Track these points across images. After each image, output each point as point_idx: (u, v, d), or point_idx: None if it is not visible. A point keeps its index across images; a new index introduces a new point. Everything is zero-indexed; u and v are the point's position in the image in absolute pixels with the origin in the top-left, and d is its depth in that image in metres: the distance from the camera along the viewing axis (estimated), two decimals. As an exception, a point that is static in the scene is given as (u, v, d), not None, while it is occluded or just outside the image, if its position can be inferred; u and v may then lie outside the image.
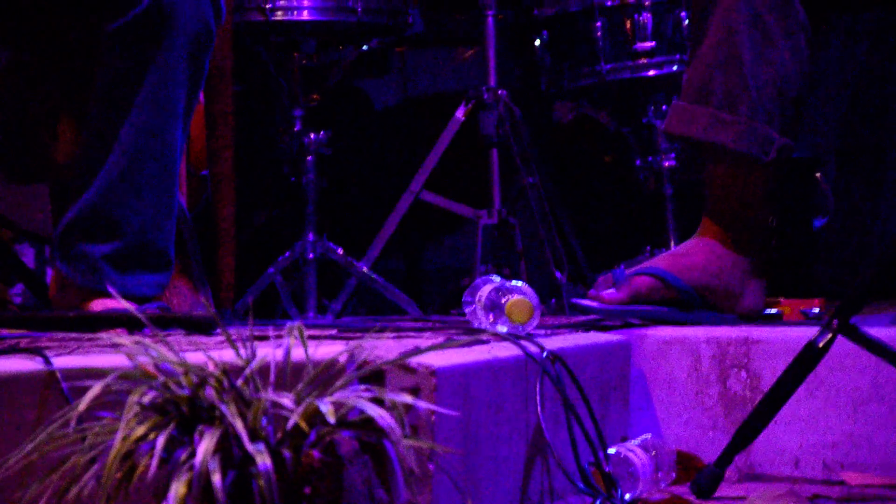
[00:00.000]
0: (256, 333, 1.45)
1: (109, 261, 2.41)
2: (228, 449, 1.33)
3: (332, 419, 1.35)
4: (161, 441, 1.33)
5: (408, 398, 1.41)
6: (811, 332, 1.95)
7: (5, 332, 2.14)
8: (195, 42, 2.43)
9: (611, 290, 2.42)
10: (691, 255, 2.48)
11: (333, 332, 2.07)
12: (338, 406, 1.37)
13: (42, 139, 2.61)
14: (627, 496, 1.88)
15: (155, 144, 2.42)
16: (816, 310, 2.69)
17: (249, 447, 1.32)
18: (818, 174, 2.97)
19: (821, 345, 1.93)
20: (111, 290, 2.25)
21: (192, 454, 1.32)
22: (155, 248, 2.44)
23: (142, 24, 2.39)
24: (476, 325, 2.02)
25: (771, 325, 2.37)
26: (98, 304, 2.42)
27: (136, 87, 2.40)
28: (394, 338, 1.88)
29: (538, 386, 1.84)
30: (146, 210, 2.42)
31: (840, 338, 1.93)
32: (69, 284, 2.44)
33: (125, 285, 2.41)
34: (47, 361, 1.62)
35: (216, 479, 1.30)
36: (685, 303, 2.43)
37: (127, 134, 2.40)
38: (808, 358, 1.93)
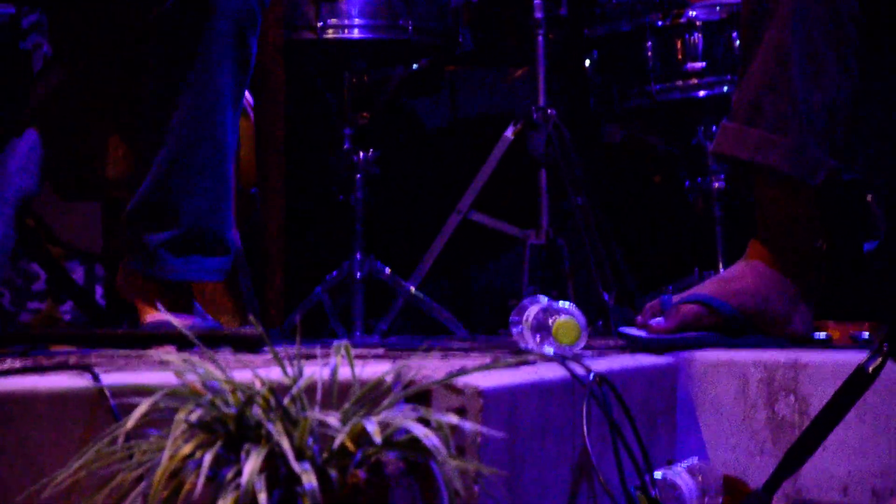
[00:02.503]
0: (304, 352, 1.45)
1: (168, 247, 2.42)
2: (275, 468, 1.33)
3: (378, 439, 1.35)
4: (208, 459, 1.33)
5: (454, 419, 1.41)
6: (861, 356, 1.93)
7: (55, 348, 2.15)
8: (239, 23, 2.44)
9: (658, 319, 2.41)
10: (739, 280, 2.47)
11: (380, 351, 2.07)
12: (384, 426, 1.37)
13: (93, 156, 2.63)
14: (673, 520, 1.87)
15: (206, 128, 2.42)
16: (866, 334, 2.66)
17: (295, 466, 1.32)
18: (869, 196, 2.95)
19: (871, 369, 1.91)
20: (160, 308, 2.27)
21: (239, 472, 1.32)
22: (213, 233, 2.45)
23: (184, 7, 2.40)
24: (523, 345, 2.02)
25: (820, 349, 2.35)
26: (150, 318, 2.43)
27: (183, 72, 2.41)
28: (440, 358, 1.88)
29: (584, 408, 1.83)
30: (201, 195, 2.43)
31: (890, 363, 1.92)
32: (133, 276, 2.45)
33: (185, 271, 2.43)
34: (96, 378, 1.63)
35: (262, 497, 1.30)
36: (733, 328, 2.42)
37: (178, 119, 2.41)
38: (858, 383, 1.92)
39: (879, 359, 1.91)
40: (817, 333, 2.52)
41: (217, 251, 2.46)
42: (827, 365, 2.15)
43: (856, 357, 1.95)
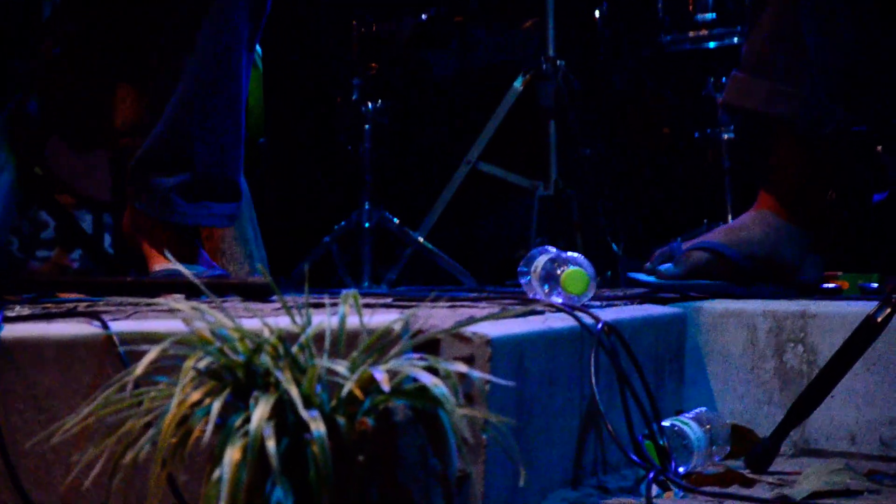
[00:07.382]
0: (312, 301, 1.45)
1: (179, 192, 2.43)
2: (283, 415, 1.34)
3: (386, 387, 1.35)
4: (216, 406, 1.34)
5: (462, 367, 1.41)
6: (869, 306, 1.93)
7: (63, 296, 2.16)
8: None
9: (667, 265, 2.41)
10: (748, 229, 2.47)
11: (388, 300, 2.07)
12: (392, 374, 1.37)
13: (101, 104, 2.63)
14: (681, 469, 1.87)
15: (220, 74, 2.43)
16: (875, 284, 2.66)
17: (304, 413, 1.33)
18: (879, 147, 2.94)
19: (879, 319, 1.91)
20: (168, 256, 2.26)
21: (247, 420, 1.32)
22: (224, 178, 2.45)
23: None
24: (531, 295, 2.02)
25: (829, 300, 2.35)
26: (158, 266, 2.43)
27: (199, 17, 2.40)
28: (448, 307, 1.88)
29: (593, 357, 1.83)
30: (214, 140, 2.43)
31: (899, 313, 1.92)
32: (142, 219, 2.46)
33: (196, 216, 2.43)
34: (104, 325, 1.64)
35: (270, 444, 1.30)
36: (742, 277, 2.42)
37: (192, 64, 2.41)
38: (866, 333, 1.92)
39: (888, 309, 1.91)
40: (826, 283, 2.52)
41: (228, 196, 2.47)
42: (835, 315, 2.15)
43: (864, 307, 1.95)
